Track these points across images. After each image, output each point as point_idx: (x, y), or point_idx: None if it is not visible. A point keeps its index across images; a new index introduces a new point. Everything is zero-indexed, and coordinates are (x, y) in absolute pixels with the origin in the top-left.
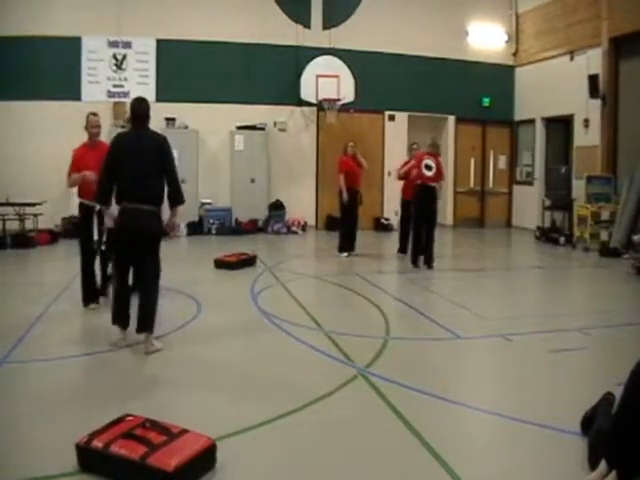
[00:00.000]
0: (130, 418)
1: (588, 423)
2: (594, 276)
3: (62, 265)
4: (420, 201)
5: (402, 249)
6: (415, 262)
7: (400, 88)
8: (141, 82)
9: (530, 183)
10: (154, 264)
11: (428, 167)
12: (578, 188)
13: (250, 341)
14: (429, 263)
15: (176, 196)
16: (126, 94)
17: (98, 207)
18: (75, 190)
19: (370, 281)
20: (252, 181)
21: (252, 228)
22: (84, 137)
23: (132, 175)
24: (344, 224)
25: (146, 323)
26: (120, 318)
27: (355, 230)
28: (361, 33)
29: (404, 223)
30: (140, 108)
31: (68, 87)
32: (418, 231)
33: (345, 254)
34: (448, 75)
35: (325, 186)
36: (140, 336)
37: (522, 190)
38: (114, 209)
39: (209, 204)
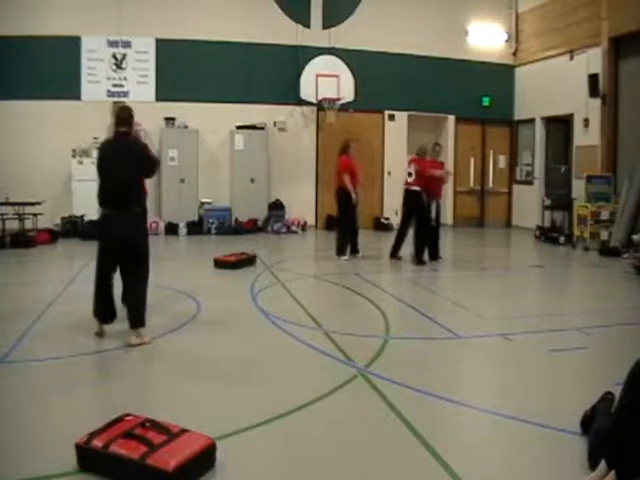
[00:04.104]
0: (129, 418)
1: (588, 423)
2: (594, 276)
3: (61, 265)
4: (403, 204)
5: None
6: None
7: (400, 88)
8: (141, 82)
9: (530, 183)
10: (142, 268)
11: (409, 174)
12: (578, 188)
13: (250, 340)
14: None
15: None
16: (126, 94)
17: None
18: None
19: (370, 281)
20: (252, 181)
21: (252, 228)
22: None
23: (112, 180)
24: (346, 226)
25: (138, 320)
26: (101, 313)
27: (357, 232)
28: (361, 33)
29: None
30: (124, 113)
31: (68, 87)
32: (401, 230)
33: (345, 257)
34: (448, 75)
35: (325, 186)
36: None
37: (522, 190)
38: None
39: (209, 204)
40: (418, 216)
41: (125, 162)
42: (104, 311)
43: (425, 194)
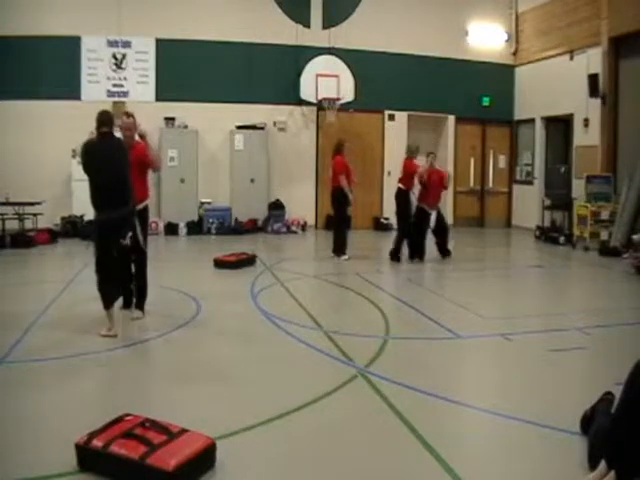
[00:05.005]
0: (129, 417)
1: (588, 423)
2: (594, 275)
3: (61, 264)
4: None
5: (418, 254)
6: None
7: (400, 88)
8: (141, 81)
9: (530, 182)
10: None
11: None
12: (578, 187)
13: (250, 341)
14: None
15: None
16: (126, 93)
17: None
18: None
19: (370, 281)
20: (252, 181)
21: (252, 228)
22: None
23: (101, 180)
24: (344, 226)
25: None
26: (117, 296)
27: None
28: (361, 33)
29: (417, 228)
30: (104, 117)
31: (68, 87)
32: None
33: (345, 257)
34: (448, 75)
35: (325, 186)
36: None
37: (522, 190)
38: None
39: (209, 203)
40: (402, 214)
41: (112, 161)
42: (119, 292)
43: (425, 204)
